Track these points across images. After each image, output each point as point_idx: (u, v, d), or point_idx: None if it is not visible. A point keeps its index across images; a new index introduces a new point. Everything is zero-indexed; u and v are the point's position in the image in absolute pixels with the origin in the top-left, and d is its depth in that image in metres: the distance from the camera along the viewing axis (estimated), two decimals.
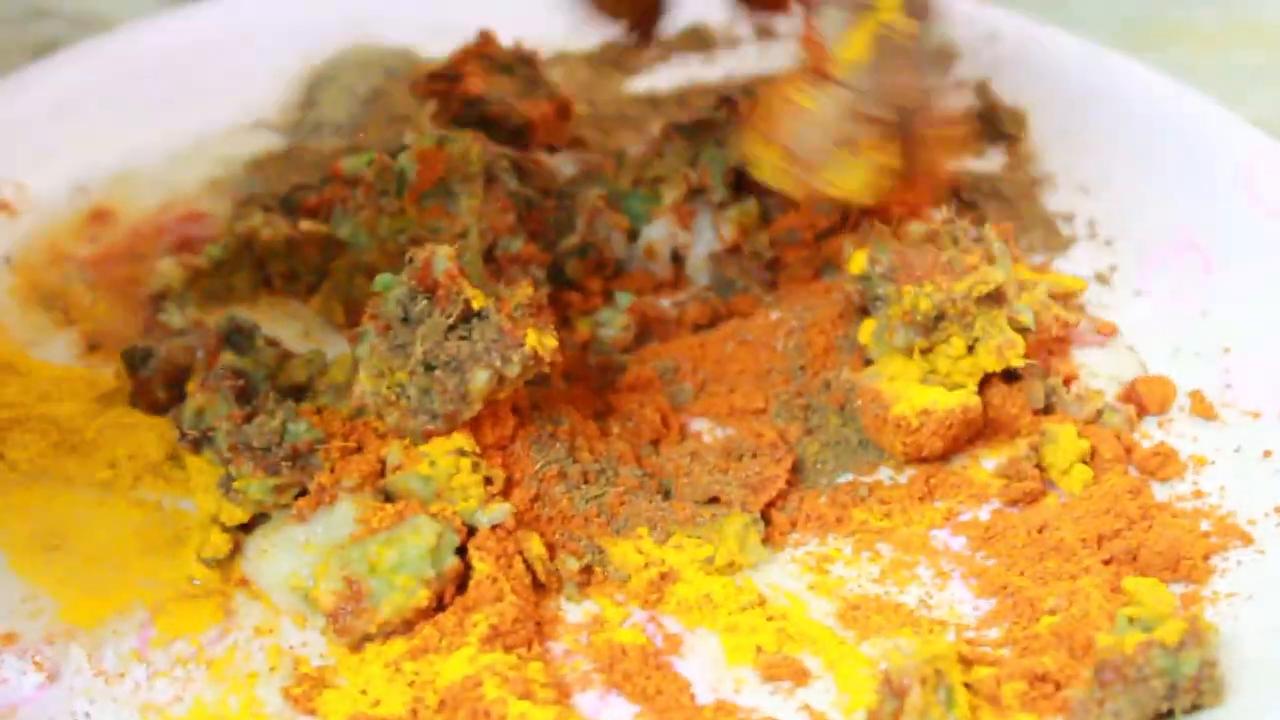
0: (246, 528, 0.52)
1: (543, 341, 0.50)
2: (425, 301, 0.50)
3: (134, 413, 0.55)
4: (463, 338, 0.50)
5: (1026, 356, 0.55)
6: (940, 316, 0.54)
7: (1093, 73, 0.67)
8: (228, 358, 0.54)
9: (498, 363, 0.50)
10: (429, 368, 0.50)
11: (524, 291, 0.51)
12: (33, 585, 0.51)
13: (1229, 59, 0.64)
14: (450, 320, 0.50)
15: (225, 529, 0.52)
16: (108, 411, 0.55)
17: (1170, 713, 0.46)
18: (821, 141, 0.51)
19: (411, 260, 0.51)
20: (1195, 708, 0.46)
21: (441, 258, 0.50)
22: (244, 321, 0.56)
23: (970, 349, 0.55)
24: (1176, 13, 0.75)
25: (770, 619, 0.50)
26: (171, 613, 0.51)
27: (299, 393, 0.54)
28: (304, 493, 0.51)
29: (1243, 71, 0.63)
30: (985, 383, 0.55)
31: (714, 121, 0.62)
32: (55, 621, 0.50)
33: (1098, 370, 0.58)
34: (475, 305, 0.50)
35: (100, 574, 0.52)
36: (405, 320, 0.51)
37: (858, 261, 0.56)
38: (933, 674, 0.46)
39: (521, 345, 0.50)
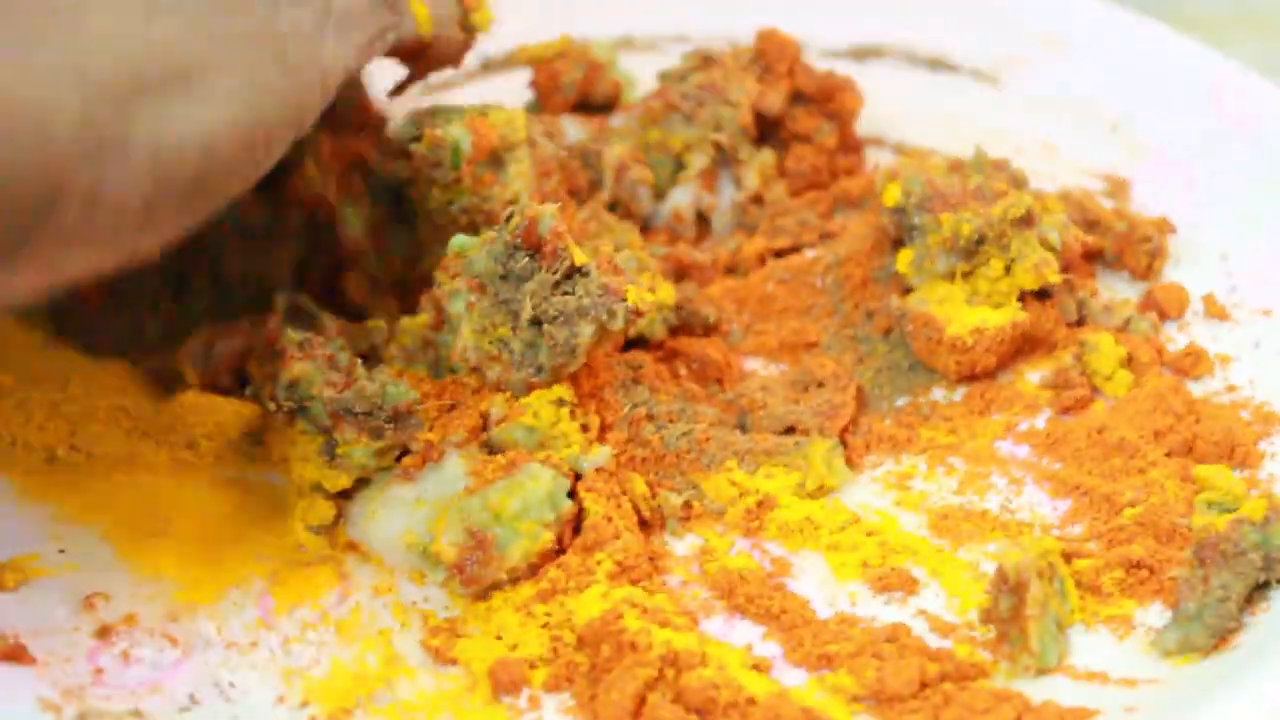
0: (347, 494, 0.53)
1: (641, 296, 0.52)
2: (527, 259, 0.52)
3: (200, 394, 0.55)
4: (566, 293, 0.51)
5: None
6: (980, 240, 0.57)
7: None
8: (294, 334, 0.54)
9: (604, 317, 0.51)
10: (536, 323, 0.52)
11: (627, 248, 0.53)
12: (146, 570, 0.51)
13: (1227, 47, 0.68)
14: (556, 277, 0.51)
15: (328, 496, 0.52)
16: (175, 396, 0.55)
17: (1267, 583, 0.49)
18: None
19: (511, 218, 0.52)
20: None
21: (548, 216, 0.51)
22: (300, 299, 0.56)
23: (1007, 269, 0.57)
24: (1183, 2, 0.79)
25: (869, 534, 0.53)
26: (287, 581, 0.51)
27: (370, 360, 0.55)
28: (405, 452, 0.52)
29: (1246, 62, 0.67)
30: (1021, 300, 0.58)
31: (713, 82, 0.64)
32: (174, 601, 0.51)
33: (1112, 284, 0.62)
34: (578, 262, 0.51)
35: (209, 551, 0.52)
36: (504, 278, 0.52)
37: (892, 194, 0.58)
38: (1047, 567, 0.49)
39: (624, 299, 0.51)
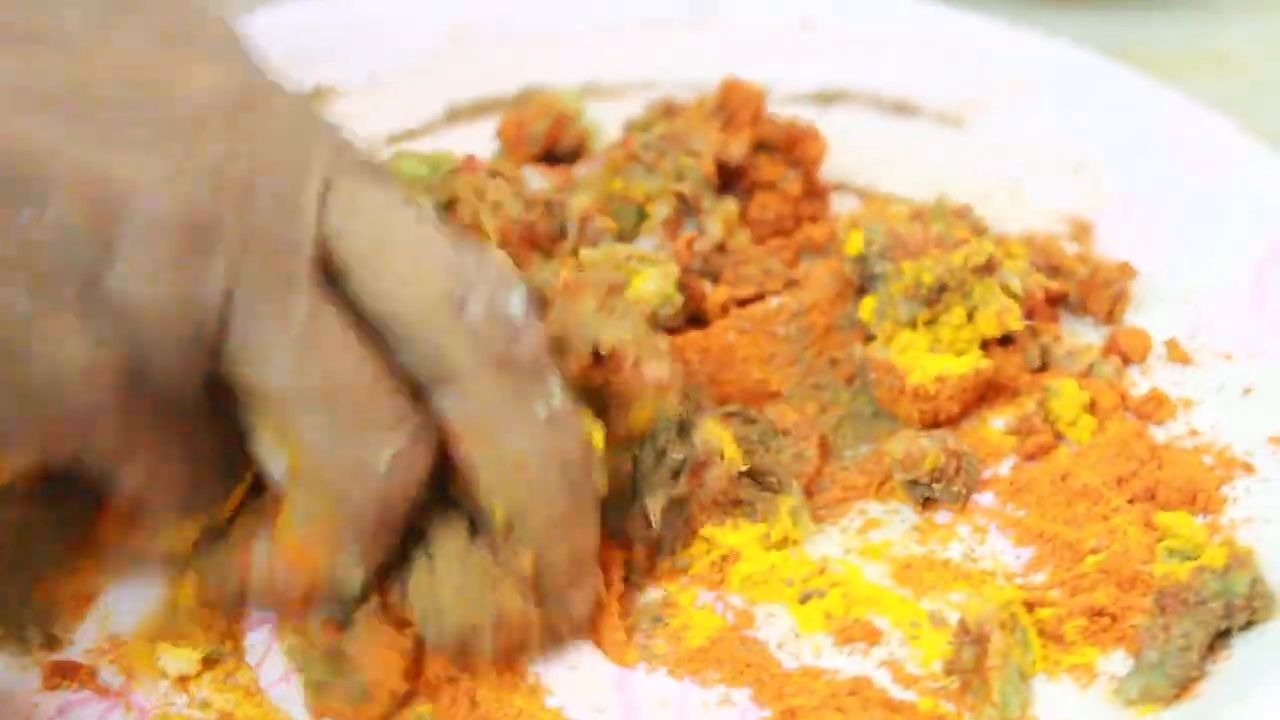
0: None
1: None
2: None
3: None
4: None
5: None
6: (942, 288, 0.57)
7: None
8: None
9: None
10: None
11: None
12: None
13: (1192, 87, 0.68)
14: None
15: None
16: None
17: (1229, 631, 0.50)
18: None
19: None
20: (1250, 623, 0.50)
21: None
22: None
23: (970, 317, 0.58)
24: (1141, 40, 0.79)
25: (833, 585, 0.53)
26: None
27: None
28: None
29: (1206, 101, 0.67)
30: (984, 347, 0.58)
31: (675, 132, 0.64)
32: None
33: (1075, 329, 0.62)
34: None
35: None
36: None
37: (854, 242, 0.59)
38: (1009, 618, 0.49)
39: None
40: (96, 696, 0.50)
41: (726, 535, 0.54)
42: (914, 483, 0.54)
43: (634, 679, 0.51)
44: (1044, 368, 0.60)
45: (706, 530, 0.54)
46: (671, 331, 0.59)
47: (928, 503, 0.55)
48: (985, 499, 0.56)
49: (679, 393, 0.53)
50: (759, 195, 0.65)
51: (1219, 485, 0.55)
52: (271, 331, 0.45)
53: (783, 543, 0.54)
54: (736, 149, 0.64)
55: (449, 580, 0.49)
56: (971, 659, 0.49)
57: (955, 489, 0.55)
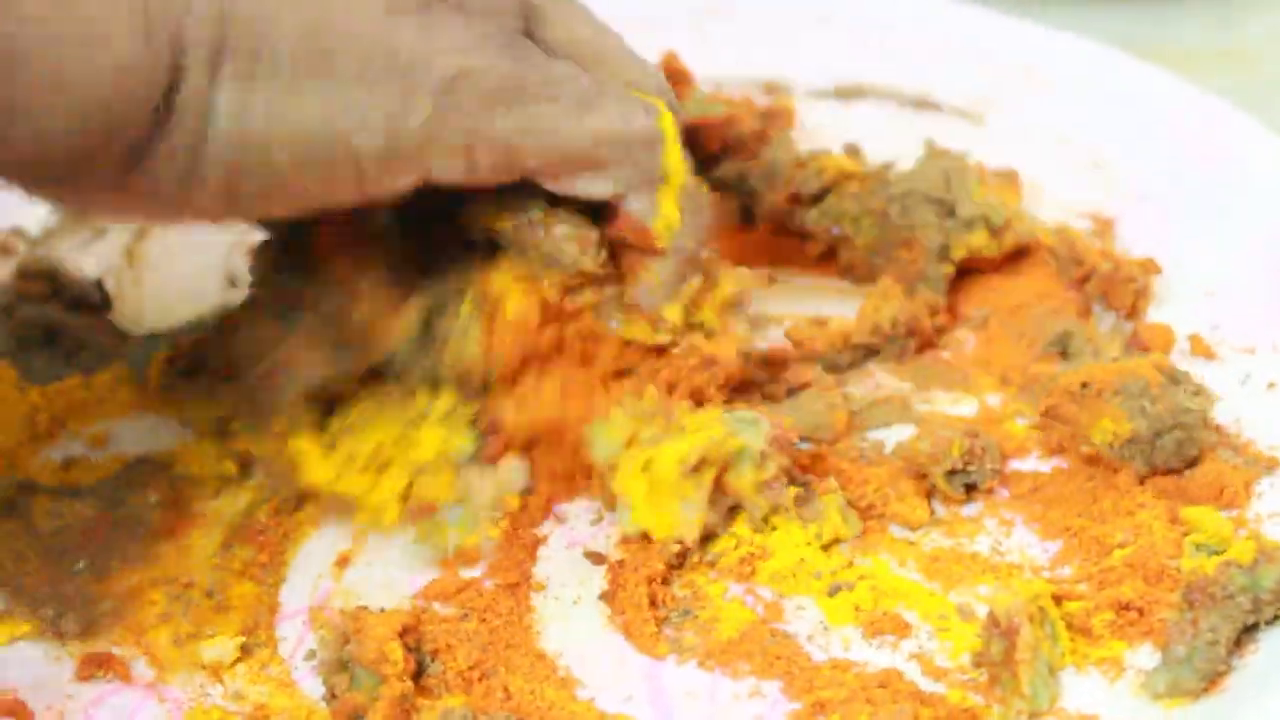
0: None
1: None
2: None
3: None
4: None
5: None
6: None
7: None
8: None
9: None
10: None
11: None
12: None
13: (1208, 82, 0.69)
14: None
15: None
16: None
17: (1256, 625, 0.50)
18: (669, 294, 0.55)
19: None
20: (1277, 617, 0.50)
21: None
22: None
23: None
24: (1157, 35, 0.80)
25: (861, 578, 0.53)
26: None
27: None
28: None
29: (1222, 96, 0.68)
30: None
31: None
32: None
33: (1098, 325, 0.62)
34: None
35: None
36: None
37: None
38: (1038, 611, 0.50)
39: None
40: (130, 688, 0.51)
41: (775, 539, 0.54)
42: (951, 472, 0.55)
43: (664, 671, 0.51)
44: (1065, 356, 0.60)
45: (743, 530, 0.54)
46: None
47: (970, 489, 0.55)
48: (1009, 493, 0.56)
49: None
50: None
51: (1244, 480, 0.55)
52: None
53: (834, 542, 0.54)
54: None
55: None
56: (1000, 652, 0.49)
57: (989, 467, 0.55)
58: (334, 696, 0.49)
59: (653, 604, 0.52)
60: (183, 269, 0.66)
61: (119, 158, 0.47)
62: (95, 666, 0.51)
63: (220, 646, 0.51)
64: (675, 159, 0.54)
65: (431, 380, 0.55)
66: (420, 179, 0.50)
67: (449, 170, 0.50)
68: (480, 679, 0.50)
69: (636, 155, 0.52)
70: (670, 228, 0.54)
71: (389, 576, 0.54)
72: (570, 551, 0.55)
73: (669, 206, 0.54)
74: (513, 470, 0.55)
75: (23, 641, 0.52)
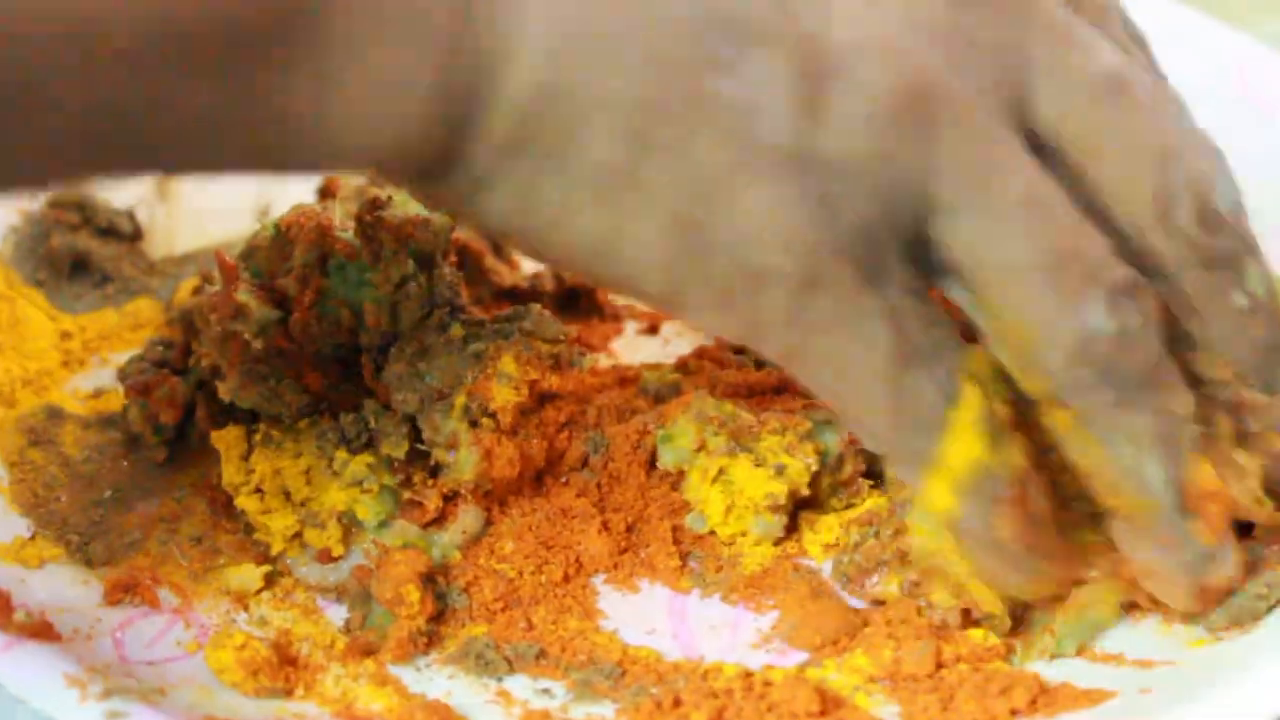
0: None
1: None
2: None
3: None
4: None
5: None
6: None
7: None
8: None
9: None
10: None
11: None
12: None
13: (1257, 32, 0.68)
14: None
15: None
16: None
17: None
18: None
19: None
20: None
21: None
22: None
23: None
24: None
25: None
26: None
27: None
28: None
29: (1274, 41, 0.67)
30: None
31: None
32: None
33: None
34: None
35: None
36: None
37: None
38: None
39: None
40: (158, 613, 0.51)
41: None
42: None
43: (688, 604, 0.51)
44: None
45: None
46: None
47: None
48: None
49: None
50: None
51: None
52: (990, 199, 0.44)
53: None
54: None
55: None
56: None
57: None
58: (349, 630, 0.50)
59: (677, 539, 0.52)
60: (213, 202, 0.66)
61: (410, 174, 0.44)
62: (123, 591, 0.51)
63: (245, 575, 0.51)
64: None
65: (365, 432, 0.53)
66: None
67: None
68: (503, 609, 0.50)
69: None
70: None
71: None
72: None
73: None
74: (469, 517, 0.53)
75: (52, 565, 0.52)
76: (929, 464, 0.45)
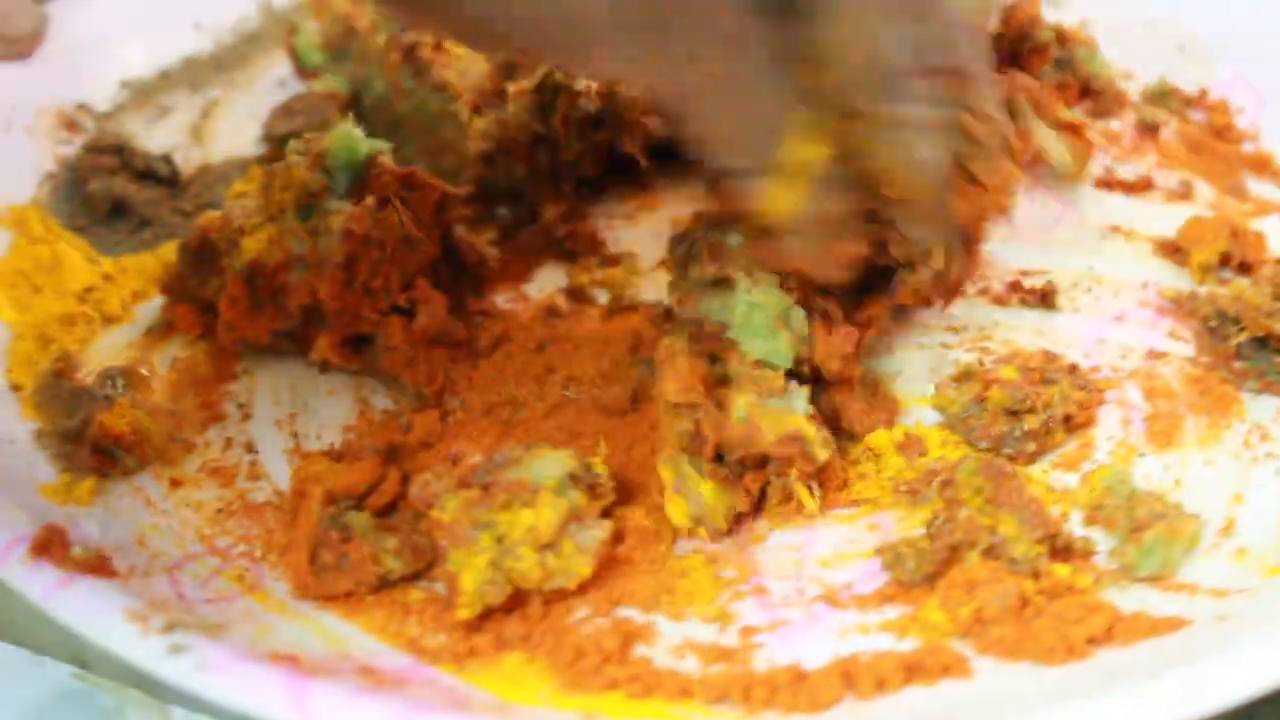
0: None
1: None
2: None
3: None
4: None
5: None
6: None
7: None
8: None
9: None
10: None
11: None
12: None
13: None
14: None
15: None
16: None
17: None
18: None
19: None
20: None
21: None
22: None
23: None
24: None
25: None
26: None
27: None
28: None
29: None
30: None
31: None
32: None
33: None
34: None
35: None
36: None
37: None
38: None
39: None
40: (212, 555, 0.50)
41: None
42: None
43: (756, 524, 0.51)
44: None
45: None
46: None
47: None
48: None
49: None
50: None
51: None
52: None
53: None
54: None
55: None
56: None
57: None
58: None
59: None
60: (248, 147, 0.66)
61: None
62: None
63: None
64: None
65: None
66: None
67: None
68: None
69: None
70: None
71: None
72: None
73: None
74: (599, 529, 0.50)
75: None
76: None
